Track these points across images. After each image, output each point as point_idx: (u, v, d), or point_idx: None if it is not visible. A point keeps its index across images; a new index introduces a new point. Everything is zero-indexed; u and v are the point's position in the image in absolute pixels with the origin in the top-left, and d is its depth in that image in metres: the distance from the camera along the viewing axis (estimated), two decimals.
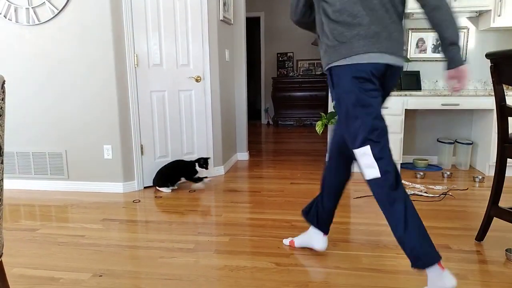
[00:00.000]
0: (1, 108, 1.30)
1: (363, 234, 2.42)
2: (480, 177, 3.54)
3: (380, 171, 1.65)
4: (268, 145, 5.72)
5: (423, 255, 1.61)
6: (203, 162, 3.49)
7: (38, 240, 2.43)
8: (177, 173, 3.48)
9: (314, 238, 2.15)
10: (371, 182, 1.69)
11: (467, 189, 3.34)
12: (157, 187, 3.45)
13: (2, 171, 1.34)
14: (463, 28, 4.02)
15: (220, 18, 3.76)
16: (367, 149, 1.67)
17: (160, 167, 3.47)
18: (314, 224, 2.13)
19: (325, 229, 2.12)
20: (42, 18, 3.23)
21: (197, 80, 3.61)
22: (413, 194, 3.20)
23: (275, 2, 7.72)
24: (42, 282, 1.91)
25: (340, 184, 2.03)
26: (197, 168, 3.49)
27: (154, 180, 3.46)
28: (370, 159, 1.66)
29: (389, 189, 1.64)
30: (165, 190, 3.43)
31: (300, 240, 2.24)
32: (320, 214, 2.10)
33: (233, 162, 4.46)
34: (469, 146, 3.97)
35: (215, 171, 3.91)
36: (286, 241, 2.30)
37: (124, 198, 3.25)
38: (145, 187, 3.51)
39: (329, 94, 3.79)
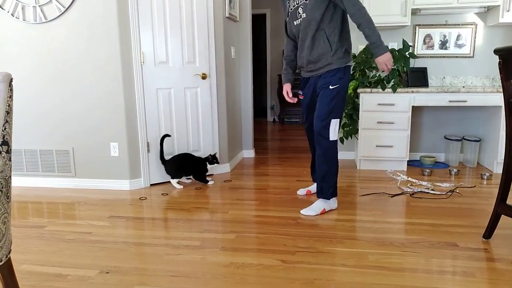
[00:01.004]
0: (8, 105, 1.31)
1: (369, 232, 2.41)
2: (488, 174, 3.52)
3: (337, 136, 2.70)
4: (274, 142, 5.72)
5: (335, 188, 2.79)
6: (213, 158, 3.51)
7: (45, 237, 2.45)
8: (189, 168, 3.47)
9: None
10: (332, 142, 2.66)
11: (475, 186, 3.32)
12: (172, 179, 3.46)
13: (10, 168, 1.36)
14: (471, 24, 3.98)
15: (226, 15, 3.76)
16: (338, 121, 2.66)
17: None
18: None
19: None
20: (49, 16, 3.25)
21: (203, 77, 3.61)
22: (420, 191, 3.18)
23: None
24: (50, 279, 1.93)
25: None
26: (208, 166, 3.50)
27: (169, 170, 3.44)
28: (337, 127, 2.65)
29: (337, 148, 2.73)
30: (175, 184, 3.45)
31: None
32: None
33: (239, 160, 4.46)
34: (476, 143, 3.94)
35: (221, 168, 3.92)
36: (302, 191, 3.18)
37: (131, 195, 3.27)
38: (151, 185, 3.52)
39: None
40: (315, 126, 2.65)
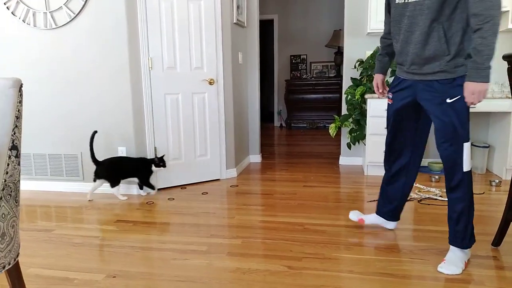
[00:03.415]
0: (18, 110, 1.33)
1: (376, 238, 2.40)
2: (497, 181, 3.48)
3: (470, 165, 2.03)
4: (281, 147, 5.72)
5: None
6: (159, 161, 3.30)
7: (53, 240, 2.47)
8: (129, 170, 3.26)
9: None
10: (466, 173, 1.97)
11: (484, 193, 3.28)
12: (112, 189, 3.22)
13: (19, 173, 1.37)
14: None
15: (234, 21, 3.78)
16: (469, 145, 2.01)
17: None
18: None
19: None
20: (59, 22, 3.29)
21: (210, 83, 3.63)
22: (428, 198, 3.15)
23: (288, 4, 7.72)
24: (57, 283, 1.94)
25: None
26: (153, 168, 3.30)
27: (103, 173, 3.20)
28: (469, 153, 1.99)
29: (471, 180, 2.02)
30: (119, 195, 3.26)
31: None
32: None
33: (245, 165, 4.46)
34: (485, 149, 3.91)
35: (228, 173, 3.92)
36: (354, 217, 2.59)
37: (138, 199, 3.28)
38: (158, 189, 3.53)
39: (343, 96, 3.77)
40: (443, 151, 2.01)
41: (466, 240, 2.02)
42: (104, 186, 3.46)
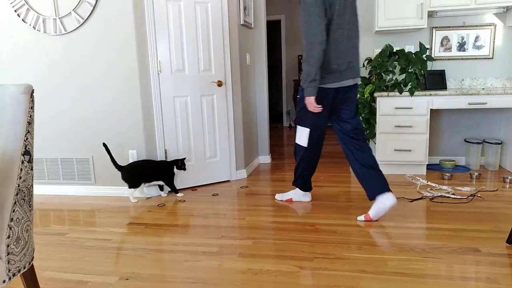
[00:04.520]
0: (30, 116, 1.35)
1: (388, 237, 2.38)
2: (510, 177, 3.43)
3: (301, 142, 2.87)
4: (290, 147, 5.71)
5: None
6: (181, 164, 3.37)
7: (66, 244, 2.50)
8: (154, 172, 3.31)
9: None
10: (296, 144, 2.89)
11: (497, 190, 3.24)
12: (130, 188, 3.28)
13: (32, 178, 1.39)
14: (490, 25, 3.91)
15: (241, 23, 3.78)
16: (299, 128, 2.84)
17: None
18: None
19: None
20: (68, 28, 3.33)
21: (218, 85, 3.64)
22: (440, 195, 3.12)
23: (295, 4, 7.71)
24: (71, 286, 1.96)
25: None
26: (175, 170, 3.37)
27: (125, 178, 3.27)
28: (301, 134, 2.84)
29: (300, 149, 2.92)
30: (138, 193, 3.39)
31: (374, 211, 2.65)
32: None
33: (255, 165, 4.46)
34: (498, 145, 3.86)
35: (238, 174, 3.93)
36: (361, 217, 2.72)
37: (149, 202, 3.30)
38: (169, 191, 3.55)
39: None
40: None
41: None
42: (116, 189, 3.50)
